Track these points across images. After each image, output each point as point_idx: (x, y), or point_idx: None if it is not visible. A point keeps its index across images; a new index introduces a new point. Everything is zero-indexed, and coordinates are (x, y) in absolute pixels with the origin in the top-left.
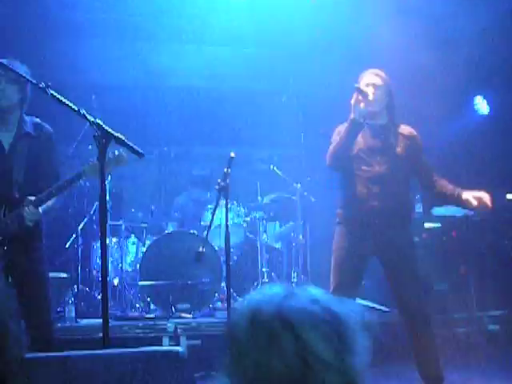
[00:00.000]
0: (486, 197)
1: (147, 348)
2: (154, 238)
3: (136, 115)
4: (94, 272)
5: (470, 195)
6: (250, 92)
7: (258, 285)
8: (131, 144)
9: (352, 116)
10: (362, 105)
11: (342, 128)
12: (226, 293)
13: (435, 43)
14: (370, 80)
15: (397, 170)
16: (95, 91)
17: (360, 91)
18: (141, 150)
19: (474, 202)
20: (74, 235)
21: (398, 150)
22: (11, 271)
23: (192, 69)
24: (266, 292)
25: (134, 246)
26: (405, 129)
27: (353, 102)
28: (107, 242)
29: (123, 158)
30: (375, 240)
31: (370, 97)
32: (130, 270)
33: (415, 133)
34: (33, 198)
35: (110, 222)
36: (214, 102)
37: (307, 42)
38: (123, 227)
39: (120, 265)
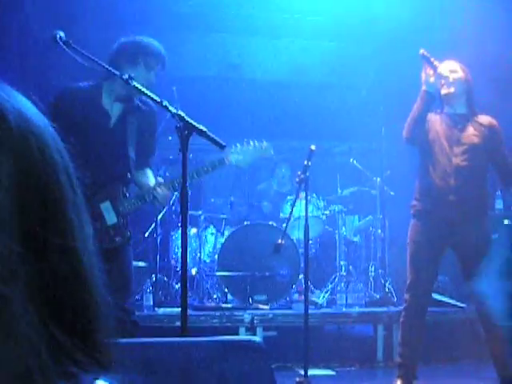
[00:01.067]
0: None
1: (225, 337)
2: (233, 229)
3: (217, 107)
4: (173, 262)
5: None
6: (331, 86)
7: (335, 278)
8: (213, 136)
9: (423, 87)
10: (431, 78)
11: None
12: (303, 285)
13: None
14: (450, 66)
15: (475, 162)
16: (176, 83)
17: (427, 59)
18: (223, 142)
19: None
20: (153, 224)
21: (477, 140)
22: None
23: (273, 62)
24: None
25: (213, 236)
26: (485, 119)
27: (423, 74)
28: (187, 231)
29: (270, 150)
30: (451, 234)
31: (447, 74)
32: (208, 260)
33: (495, 123)
34: (161, 179)
35: (189, 212)
36: (295, 95)
37: (387, 35)
38: (202, 218)
39: (198, 255)
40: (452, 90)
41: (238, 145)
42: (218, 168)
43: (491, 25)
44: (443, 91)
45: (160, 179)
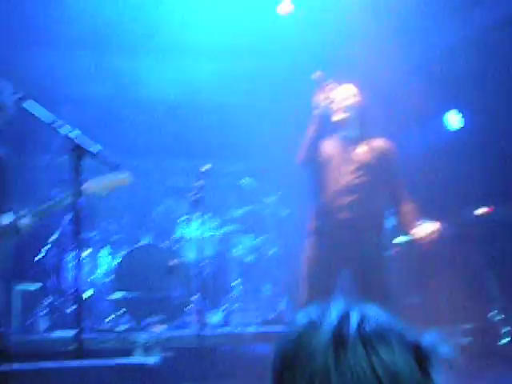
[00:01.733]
0: (429, 229)
1: (120, 360)
2: (128, 250)
3: (111, 127)
4: (67, 284)
5: (417, 231)
6: (225, 105)
7: (230, 298)
8: (105, 157)
9: (316, 111)
10: (324, 102)
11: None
12: (197, 306)
13: (409, 59)
14: (343, 91)
15: (367, 180)
16: (71, 103)
17: (321, 83)
18: (115, 163)
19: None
20: (46, 246)
21: (369, 159)
22: None
23: (167, 81)
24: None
25: (108, 258)
26: (378, 141)
27: (316, 97)
28: (80, 253)
29: (127, 179)
30: (345, 252)
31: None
32: (102, 281)
33: (389, 145)
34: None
35: (83, 234)
36: (189, 114)
37: (281, 54)
38: (97, 238)
39: (93, 276)
40: (345, 115)
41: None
42: (73, 200)
43: (384, 49)
44: (336, 117)
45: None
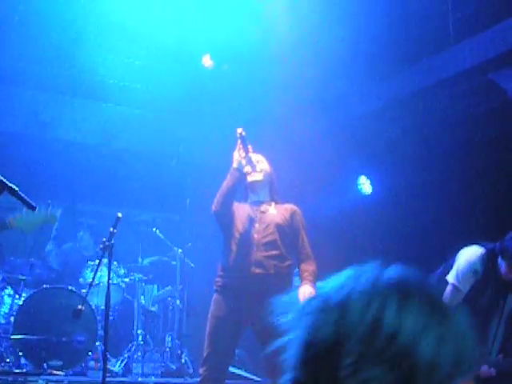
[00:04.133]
0: (306, 293)
1: None
2: (32, 291)
3: (22, 165)
4: None
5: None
6: (141, 153)
7: (132, 346)
8: (23, 196)
9: (235, 165)
10: (243, 159)
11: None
12: (100, 352)
13: (322, 124)
14: (257, 157)
15: (276, 238)
16: None
17: (243, 139)
18: (33, 203)
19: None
20: None
21: (278, 219)
22: None
23: (83, 124)
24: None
25: (10, 298)
26: (287, 205)
27: (236, 152)
28: None
29: (54, 217)
30: (251, 309)
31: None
32: (3, 322)
33: (296, 208)
34: None
35: None
36: (104, 159)
37: (199, 109)
38: (0, 278)
39: None
40: (259, 177)
41: (24, 210)
42: (1, 231)
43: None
44: (250, 178)
45: None
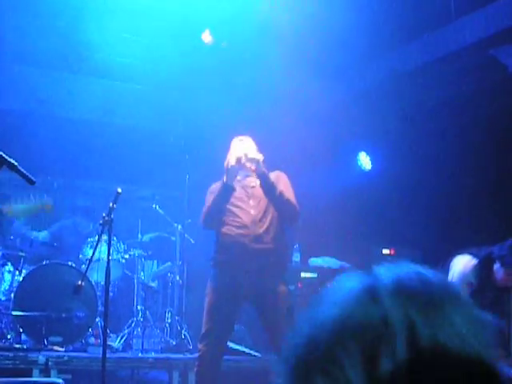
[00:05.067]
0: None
1: (27, 379)
2: (32, 267)
3: (22, 142)
4: None
5: None
6: (140, 129)
7: (132, 322)
8: (23, 171)
9: (225, 179)
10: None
11: (215, 188)
12: (99, 328)
13: (321, 100)
14: (244, 145)
15: (270, 213)
16: None
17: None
18: (33, 178)
19: None
20: None
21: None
22: None
23: (82, 101)
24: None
25: (10, 274)
26: (271, 173)
27: (226, 165)
28: None
29: (50, 205)
30: (249, 284)
31: (252, 155)
32: (3, 298)
33: (280, 173)
34: None
35: None
36: (103, 136)
37: (199, 85)
38: (0, 254)
39: None
40: (250, 165)
41: (19, 198)
42: None
43: (303, 87)
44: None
45: None
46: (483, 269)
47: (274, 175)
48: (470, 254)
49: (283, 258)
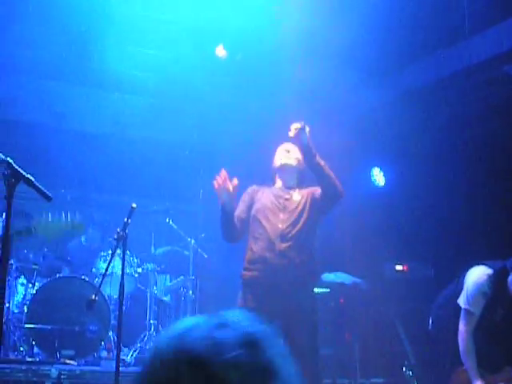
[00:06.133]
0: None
1: None
2: (45, 280)
3: (37, 154)
4: None
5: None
6: (154, 142)
7: (145, 336)
8: (40, 186)
9: (221, 202)
10: (224, 194)
11: (242, 197)
12: (112, 342)
13: (335, 115)
14: (288, 146)
15: (301, 228)
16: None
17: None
18: (49, 194)
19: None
20: None
21: (302, 205)
22: None
23: (96, 114)
24: (173, 328)
25: (23, 287)
26: (310, 187)
27: (216, 187)
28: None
29: (82, 227)
30: (279, 301)
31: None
32: (16, 311)
33: (317, 188)
34: None
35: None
36: (117, 149)
37: (213, 98)
38: (13, 267)
39: (7, 305)
40: (291, 161)
41: (49, 215)
42: (24, 237)
43: (316, 102)
44: (282, 161)
45: None
46: (498, 280)
47: (311, 190)
48: (485, 265)
49: (312, 272)
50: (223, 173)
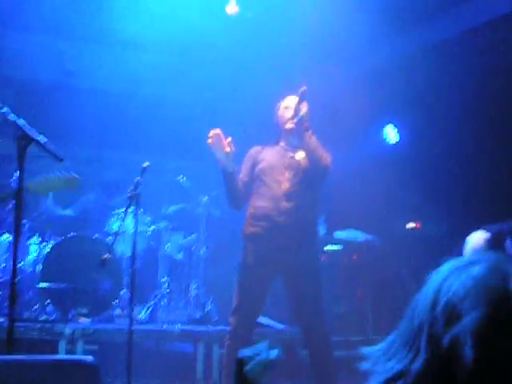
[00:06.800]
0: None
1: (57, 356)
2: (58, 239)
3: (50, 113)
4: None
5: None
6: (166, 101)
7: (157, 294)
8: (51, 148)
9: (221, 166)
10: (221, 152)
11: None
12: (125, 300)
13: (348, 73)
14: (295, 101)
15: (305, 187)
16: (12, 86)
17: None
18: (61, 155)
19: None
20: None
21: (306, 164)
22: None
23: (109, 72)
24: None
25: (37, 246)
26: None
27: (210, 142)
28: (7, 239)
29: (75, 181)
30: (282, 258)
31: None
32: (29, 270)
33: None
34: None
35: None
36: (130, 107)
37: (225, 57)
38: (27, 226)
39: (20, 264)
40: (292, 126)
41: (43, 175)
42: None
43: (328, 60)
44: (290, 125)
45: None
46: (494, 244)
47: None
48: (483, 229)
49: (315, 230)
50: (217, 130)
